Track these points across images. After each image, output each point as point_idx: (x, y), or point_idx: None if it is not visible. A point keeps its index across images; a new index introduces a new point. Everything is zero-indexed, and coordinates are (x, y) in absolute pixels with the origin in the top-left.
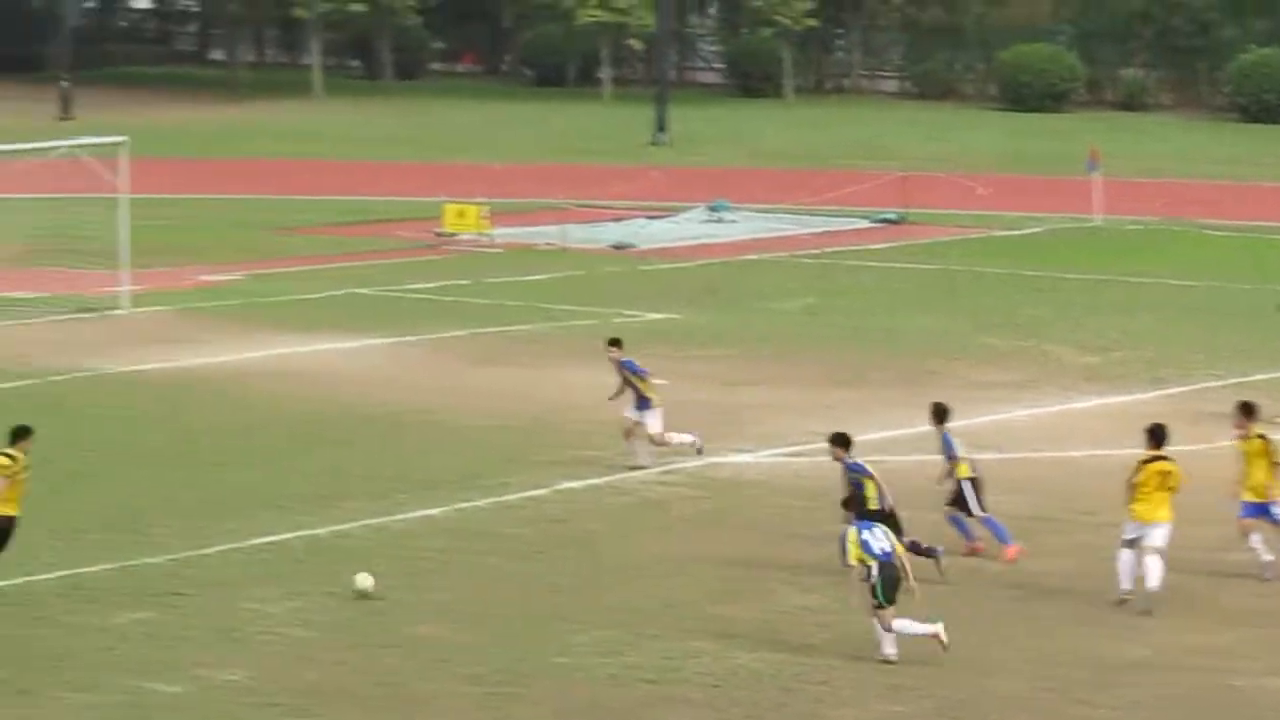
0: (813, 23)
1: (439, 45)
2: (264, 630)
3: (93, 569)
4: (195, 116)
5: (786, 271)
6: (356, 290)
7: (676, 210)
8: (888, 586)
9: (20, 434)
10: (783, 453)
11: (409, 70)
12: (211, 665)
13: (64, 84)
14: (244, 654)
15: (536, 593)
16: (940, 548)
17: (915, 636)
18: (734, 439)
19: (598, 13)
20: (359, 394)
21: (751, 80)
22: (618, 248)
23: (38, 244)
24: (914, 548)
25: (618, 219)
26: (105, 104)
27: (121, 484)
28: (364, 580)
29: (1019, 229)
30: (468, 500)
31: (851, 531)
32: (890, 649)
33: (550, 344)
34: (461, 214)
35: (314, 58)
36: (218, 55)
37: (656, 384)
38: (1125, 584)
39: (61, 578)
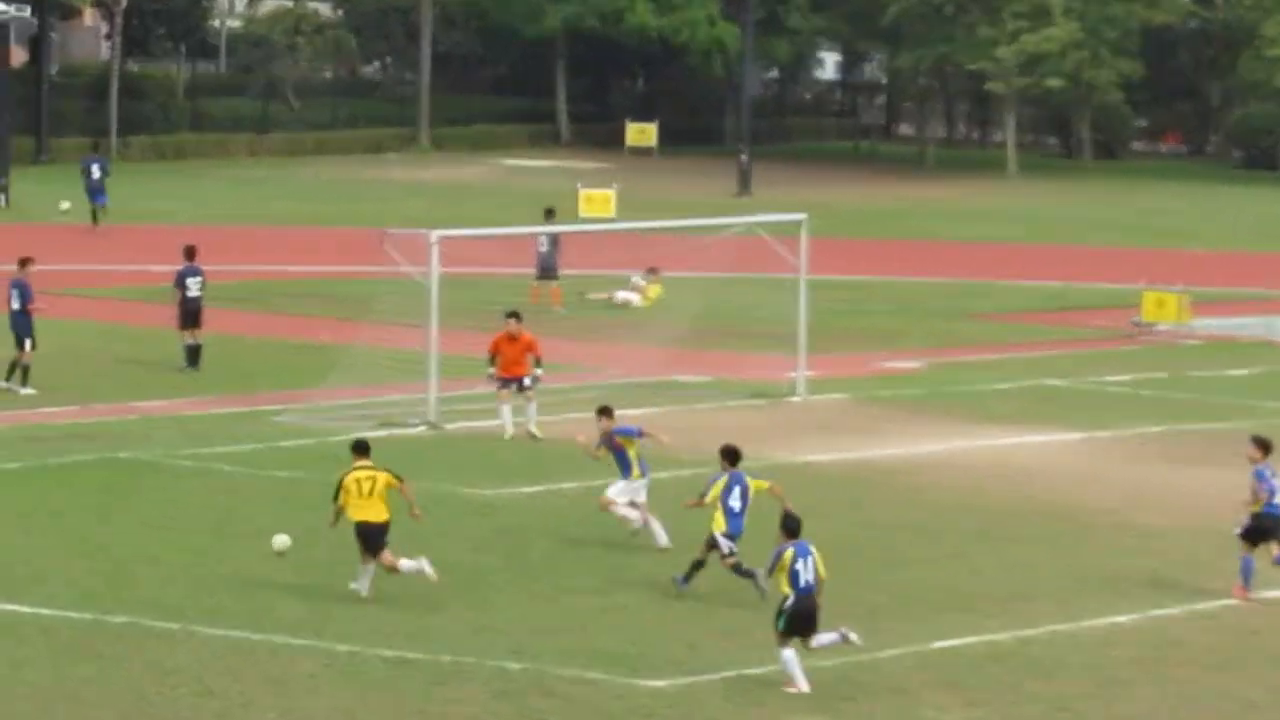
0: None
1: (1141, 123)
2: None
3: (759, 671)
4: (877, 194)
5: None
6: (1045, 381)
7: None
8: (797, 620)
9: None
10: None
11: (1109, 149)
12: None
13: (742, 158)
14: None
15: (1229, 709)
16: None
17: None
18: None
19: None
20: (1046, 490)
21: None
22: None
23: (708, 325)
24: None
25: None
26: (784, 179)
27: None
28: (280, 542)
29: None
30: (1159, 607)
31: (787, 553)
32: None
33: None
34: (1161, 302)
35: (1008, 135)
36: (906, 130)
37: None
38: None
39: (726, 679)
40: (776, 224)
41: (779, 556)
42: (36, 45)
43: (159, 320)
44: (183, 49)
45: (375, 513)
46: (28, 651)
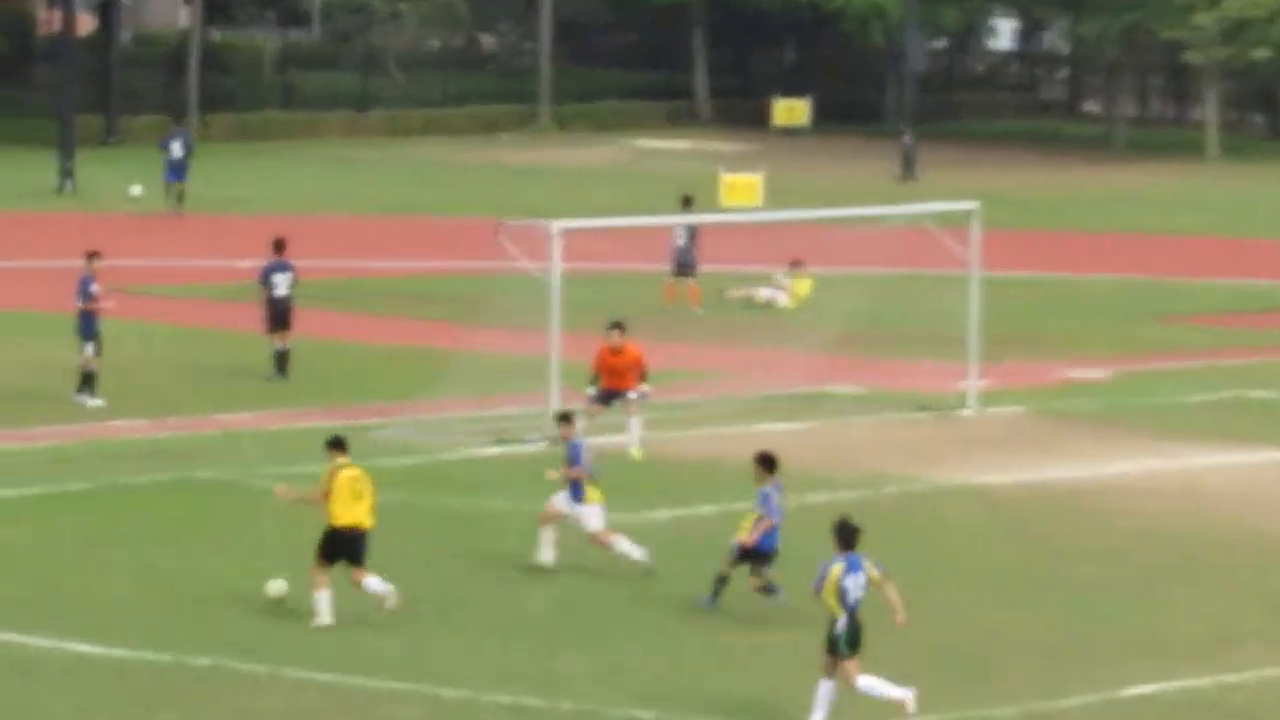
0: None
1: None
2: None
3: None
4: (1059, 179)
5: None
6: (1248, 392)
7: None
8: (852, 639)
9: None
10: None
11: None
12: None
13: (905, 139)
14: None
15: None
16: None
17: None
18: None
19: None
20: (1249, 517)
21: None
22: None
23: (865, 328)
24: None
25: None
26: (953, 162)
27: (959, 615)
28: (276, 588)
29: None
30: None
31: (836, 568)
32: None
33: None
34: None
35: (1207, 112)
36: (1091, 107)
37: None
38: None
39: None
40: (944, 214)
41: (828, 572)
42: (106, 11)
43: (243, 322)
44: (272, 15)
45: (364, 517)
46: (99, 697)
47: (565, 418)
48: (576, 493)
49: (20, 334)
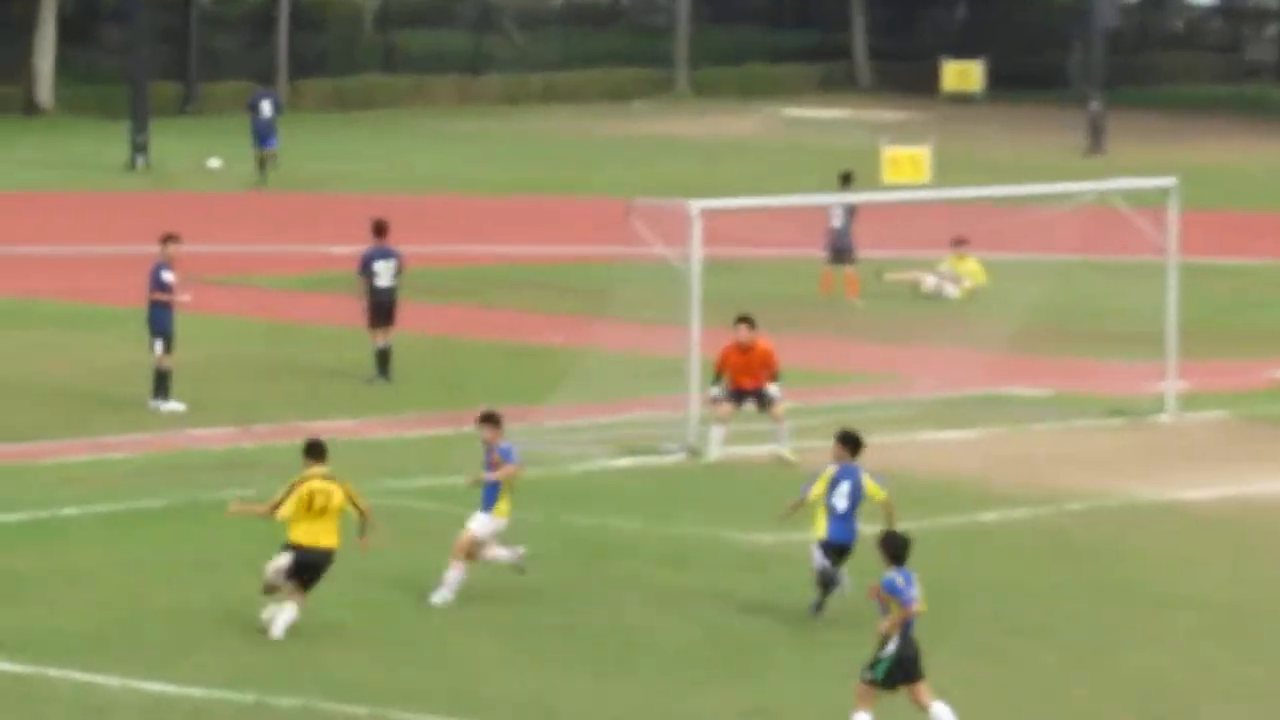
0: None
1: None
2: None
3: None
4: (1267, 152)
5: None
6: None
7: None
8: (899, 669)
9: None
10: None
11: None
12: None
13: (1092, 106)
14: None
15: None
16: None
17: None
18: None
19: None
20: None
21: None
22: None
23: (1045, 322)
24: None
25: None
26: (1146, 133)
27: (1159, 650)
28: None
29: None
30: None
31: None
32: None
33: None
34: None
35: None
36: None
37: None
38: None
39: None
40: (1137, 192)
41: (891, 589)
42: None
43: (340, 316)
44: None
45: (324, 536)
46: None
47: (490, 419)
48: (490, 499)
49: (91, 330)
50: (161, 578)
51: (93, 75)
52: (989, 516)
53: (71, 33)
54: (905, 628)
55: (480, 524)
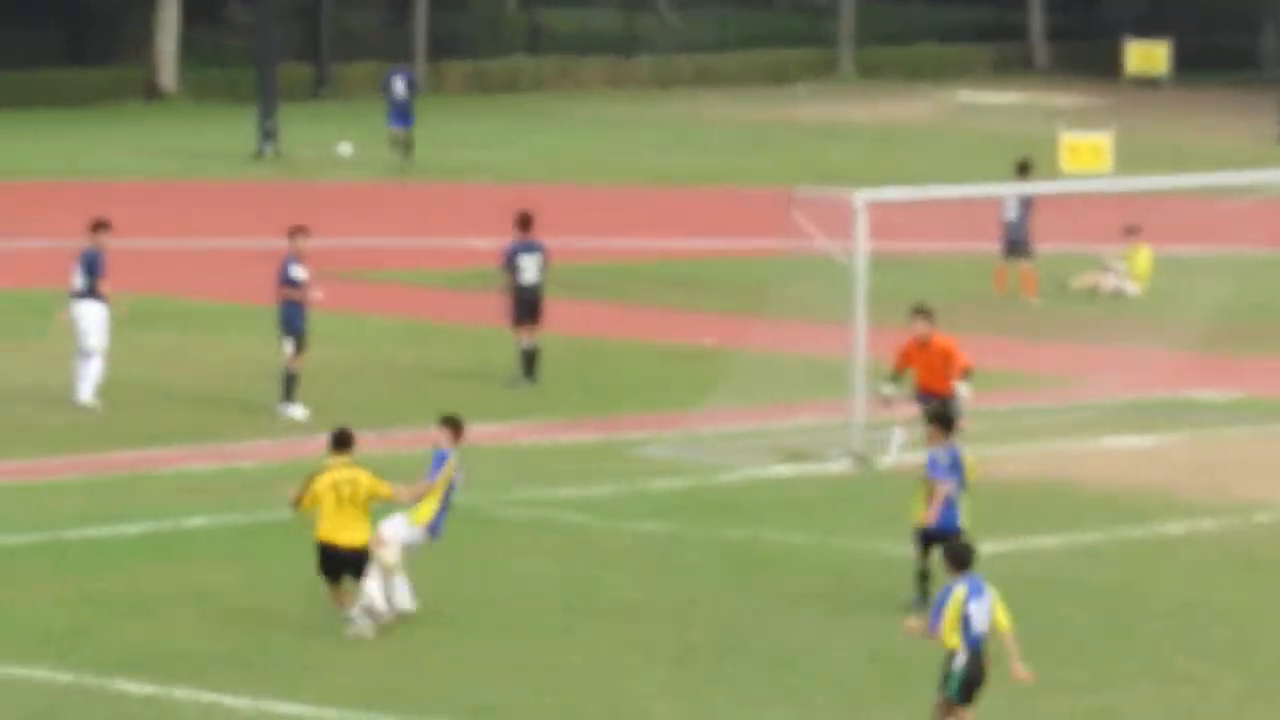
0: None
1: None
2: None
3: None
4: None
5: None
6: None
7: None
8: (969, 684)
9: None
10: None
11: None
12: None
13: None
14: None
15: None
16: None
17: None
18: None
19: None
20: None
21: None
22: None
23: (1237, 320)
24: None
25: None
26: None
27: None
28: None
29: None
30: None
31: (959, 592)
32: None
33: None
34: None
35: None
36: None
37: None
38: None
39: None
40: None
41: (948, 599)
42: None
43: (482, 315)
44: None
45: (352, 533)
46: None
47: (451, 423)
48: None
49: (221, 329)
50: (289, 593)
51: (219, 57)
52: (1172, 528)
53: (196, 11)
54: (974, 650)
55: (392, 526)
